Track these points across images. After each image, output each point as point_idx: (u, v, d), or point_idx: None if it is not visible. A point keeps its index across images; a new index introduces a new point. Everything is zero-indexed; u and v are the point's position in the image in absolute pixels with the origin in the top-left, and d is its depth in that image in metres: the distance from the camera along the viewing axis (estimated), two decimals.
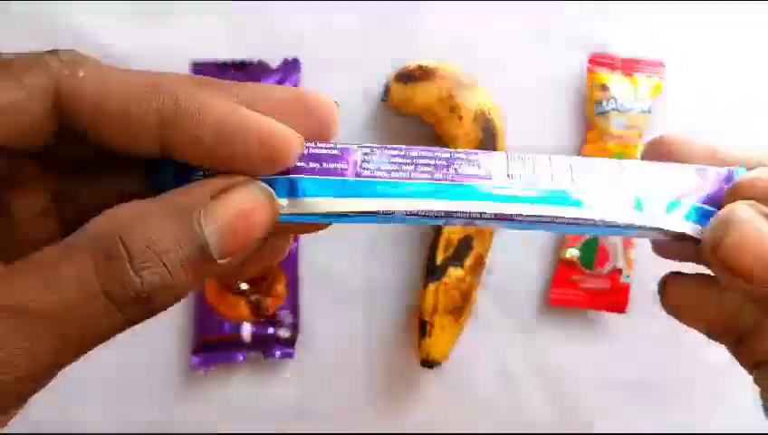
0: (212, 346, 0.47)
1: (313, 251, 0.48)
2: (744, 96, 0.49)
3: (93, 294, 0.15)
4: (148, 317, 0.17)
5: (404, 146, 0.21)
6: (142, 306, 0.16)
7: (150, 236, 0.16)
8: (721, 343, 0.23)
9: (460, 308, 0.46)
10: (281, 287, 0.47)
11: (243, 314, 0.47)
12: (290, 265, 0.48)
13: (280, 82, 0.47)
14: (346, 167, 0.20)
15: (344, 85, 0.48)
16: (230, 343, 0.47)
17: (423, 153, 0.21)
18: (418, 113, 0.46)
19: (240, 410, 0.48)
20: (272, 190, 0.18)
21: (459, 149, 0.21)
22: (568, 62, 0.49)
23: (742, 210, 0.19)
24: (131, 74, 0.17)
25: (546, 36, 0.49)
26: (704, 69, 0.49)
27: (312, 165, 0.20)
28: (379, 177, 0.20)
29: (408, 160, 0.21)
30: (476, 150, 0.21)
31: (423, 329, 0.46)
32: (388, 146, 0.21)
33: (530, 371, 0.49)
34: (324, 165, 0.20)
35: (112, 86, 0.17)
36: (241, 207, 0.17)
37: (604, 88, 0.48)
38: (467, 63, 0.47)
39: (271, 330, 0.47)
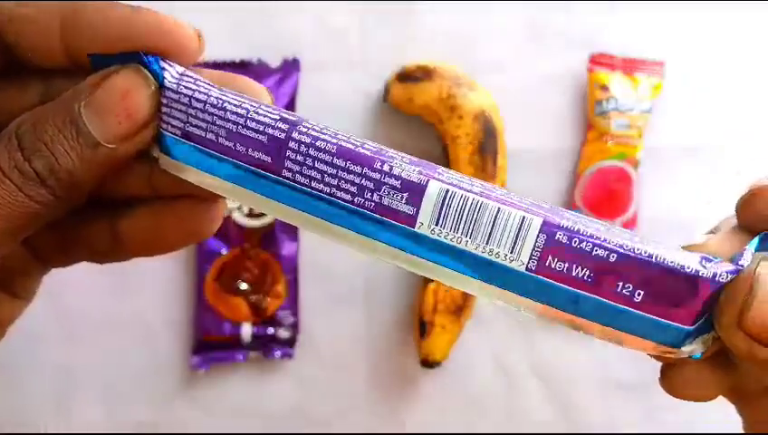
0: (212, 346, 0.47)
1: (313, 251, 0.48)
2: (745, 96, 0.49)
3: None
4: (56, 201, 0.18)
5: (345, 146, 0.18)
6: (39, 187, 0.18)
7: (37, 127, 0.18)
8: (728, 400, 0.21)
9: (460, 308, 0.46)
10: (281, 287, 0.47)
11: (243, 314, 0.47)
12: (290, 266, 0.48)
13: (280, 82, 0.47)
14: (268, 158, 0.18)
15: (344, 85, 0.48)
16: (230, 343, 0.47)
17: (352, 165, 0.18)
18: (418, 113, 0.46)
19: (240, 410, 0.48)
20: (148, 74, 0.19)
21: (397, 169, 0.18)
22: (568, 63, 0.49)
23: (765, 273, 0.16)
24: None
25: (546, 36, 0.49)
26: (704, 69, 0.49)
27: (205, 133, 0.19)
28: (292, 180, 0.18)
29: (334, 171, 0.18)
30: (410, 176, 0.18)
31: (423, 329, 0.46)
32: (328, 138, 0.18)
33: (530, 371, 0.49)
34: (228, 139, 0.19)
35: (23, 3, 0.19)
36: (116, 87, 0.18)
37: (604, 88, 0.48)
38: (467, 63, 0.47)
39: (271, 330, 0.47)
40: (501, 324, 0.49)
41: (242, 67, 0.47)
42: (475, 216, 0.17)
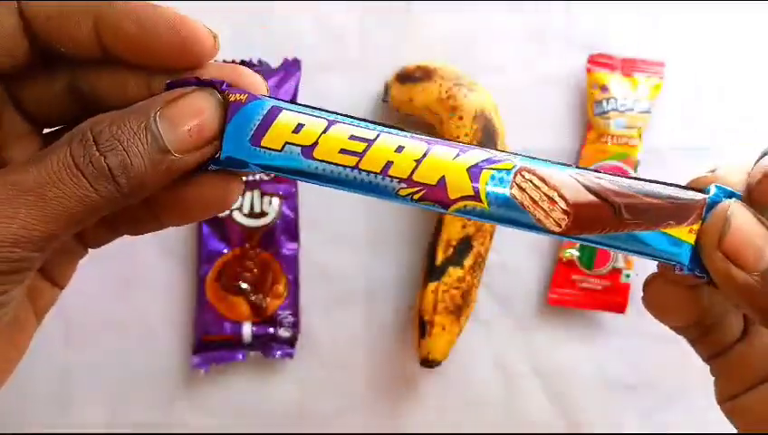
0: (212, 346, 0.47)
1: (313, 251, 0.48)
2: (745, 96, 0.49)
3: (70, 171, 0.19)
4: (120, 198, 0.20)
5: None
6: (109, 183, 0.19)
7: (114, 128, 0.19)
8: (684, 336, 0.25)
9: (460, 308, 0.46)
10: (281, 287, 0.48)
11: (243, 314, 0.47)
12: (290, 266, 0.48)
13: (280, 82, 0.47)
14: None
15: (344, 85, 0.48)
16: (230, 343, 0.47)
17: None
18: (418, 113, 0.46)
19: (240, 410, 0.48)
20: (220, 97, 0.21)
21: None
22: (568, 62, 0.49)
23: (736, 205, 0.21)
24: None
25: (546, 36, 0.49)
26: (704, 69, 0.49)
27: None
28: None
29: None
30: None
31: (423, 329, 0.46)
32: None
33: (530, 371, 0.49)
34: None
35: None
36: (193, 104, 0.20)
37: (604, 88, 0.48)
38: (467, 63, 0.47)
39: (271, 330, 0.47)
40: (501, 324, 0.49)
41: None
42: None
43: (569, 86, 0.49)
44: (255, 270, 0.47)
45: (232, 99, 0.21)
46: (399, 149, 0.20)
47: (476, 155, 0.20)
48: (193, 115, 0.20)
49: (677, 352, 0.49)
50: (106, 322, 0.47)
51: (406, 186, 0.20)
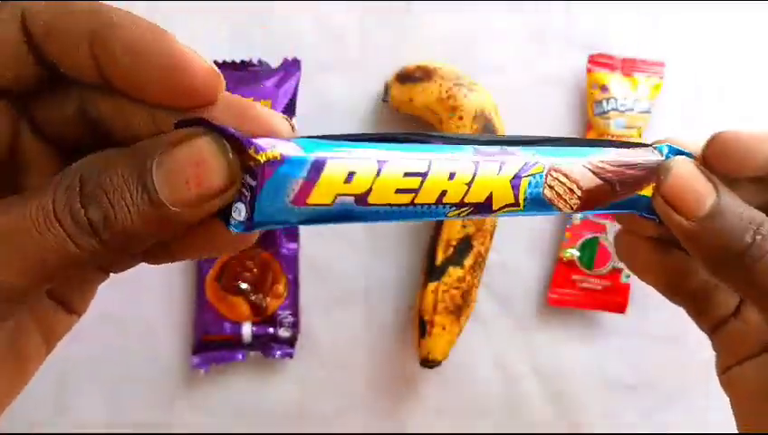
0: (212, 346, 0.47)
1: (313, 251, 0.48)
2: (744, 96, 0.49)
3: (48, 220, 0.17)
4: (105, 253, 0.18)
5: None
6: (90, 238, 0.17)
7: (103, 175, 0.17)
8: (680, 305, 0.26)
9: (460, 308, 0.46)
10: (281, 287, 0.48)
11: (243, 314, 0.47)
12: (290, 266, 0.48)
13: (280, 82, 0.47)
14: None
15: (344, 85, 0.48)
16: (230, 343, 0.47)
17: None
18: (418, 113, 0.46)
19: (240, 409, 0.48)
20: (226, 144, 0.18)
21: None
22: (568, 62, 0.49)
23: (680, 157, 0.23)
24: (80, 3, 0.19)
25: (546, 36, 0.49)
26: (704, 69, 0.49)
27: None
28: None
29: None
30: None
31: (423, 329, 0.46)
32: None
33: (530, 371, 0.49)
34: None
35: (59, 10, 0.18)
36: (192, 154, 0.18)
37: (604, 88, 0.48)
38: (467, 63, 0.47)
39: (271, 330, 0.47)
40: (501, 324, 0.49)
41: (242, 67, 0.47)
42: None
43: (569, 86, 0.49)
44: (255, 270, 0.47)
45: (261, 158, 0.18)
46: (451, 176, 0.20)
47: (515, 163, 0.21)
48: (193, 165, 0.17)
49: (677, 352, 0.49)
50: (106, 322, 0.47)
51: (456, 209, 0.20)
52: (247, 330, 0.47)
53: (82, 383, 0.47)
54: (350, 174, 0.18)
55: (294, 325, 0.48)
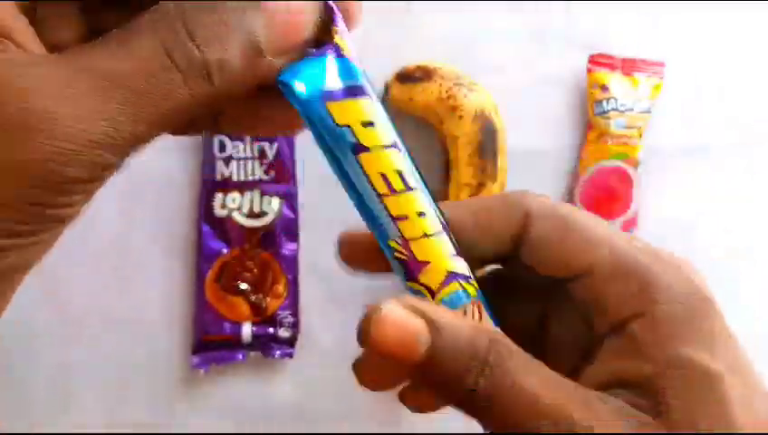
0: (212, 346, 0.47)
1: (313, 251, 0.48)
2: (744, 96, 0.49)
3: (164, 65, 0.16)
4: (209, 100, 0.17)
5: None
6: (204, 80, 0.17)
7: (211, 17, 0.17)
8: None
9: None
10: (281, 287, 0.47)
11: (243, 314, 0.47)
12: (290, 266, 0.48)
13: None
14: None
15: None
16: (230, 343, 0.47)
17: None
18: (418, 113, 0.46)
19: (240, 410, 0.48)
20: (320, 5, 0.19)
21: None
22: (568, 62, 0.49)
23: (387, 304, 0.20)
24: None
25: (546, 36, 0.49)
26: (704, 69, 0.49)
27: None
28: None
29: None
30: None
31: None
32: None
33: None
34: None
35: None
36: (290, 5, 0.18)
37: (604, 88, 0.48)
38: (467, 63, 0.47)
39: (271, 330, 0.47)
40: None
41: None
42: None
43: (569, 86, 0.49)
44: (255, 270, 0.47)
45: (338, 41, 0.20)
46: (421, 214, 0.20)
47: (465, 268, 0.21)
48: (288, 16, 0.18)
49: None
50: (106, 322, 0.47)
51: (400, 244, 0.20)
52: (247, 330, 0.47)
53: (82, 383, 0.47)
54: (370, 123, 0.20)
55: (294, 325, 0.48)
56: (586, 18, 0.49)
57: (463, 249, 0.21)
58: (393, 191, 0.20)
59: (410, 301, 0.20)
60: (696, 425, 0.17)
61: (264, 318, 0.47)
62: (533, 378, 0.18)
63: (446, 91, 0.45)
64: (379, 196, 0.20)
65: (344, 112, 0.19)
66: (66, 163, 0.15)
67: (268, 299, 0.47)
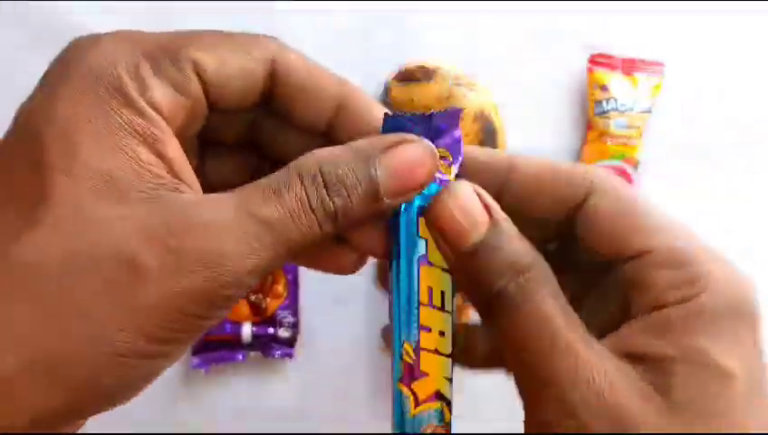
0: (212, 346, 0.47)
1: None
2: (744, 96, 0.49)
3: (305, 211, 0.20)
4: (332, 235, 0.21)
5: None
6: (332, 224, 0.20)
7: (339, 172, 0.20)
8: None
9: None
10: (281, 287, 0.48)
11: (243, 314, 0.47)
12: (289, 266, 0.48)
13: None
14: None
15: None
16: (230, 343, 0.47)
17: None
18: None
19: (240, 410, 0.48)
20: (434, 148, 0.22)
21: None
22: (568, 63, 0.49)
23: (458, 182, 0.22)
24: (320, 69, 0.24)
25: (546, 36, 0.49)
26: (703, 69, 0.49)
27: None
28: None
29: None
30: None
31: None
32: None
33: None
34: None
35: (311, 71, 0.24)
36: (408, 157, 0.21)
37: (604, 88, 0.48)
38: (467, 63, 0.47)
39: (271, 330, 0.47)
40: None
41: None
42: None
43: (569, 86, 0.49)
44: None
45: (452, 180, 0.22)
46: (442, 333, 0.23)
47: (451, 393, 0.24)
48: (409, 166, 0.21)
49: None
50: None
51: (413, 348, 0.23)
52: (247, 330, 0.47)
53: None
54: None
55: (294, 325, 0.48)
56: (586, 18, 0.49)
57: (520, 209, 0.22)
58: (432, 305, 0.23)
59: (482, 190, 0.21)
60: (697, 413, 0.18)
61: (263, 318, 0.47)
62: (556, 308, 0.20)
63: (446, 91, 0.45)
64: (419, 303, 0.23)
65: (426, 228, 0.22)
66: (227, 288, 0.19)
67: (268, 299, 0.47)
